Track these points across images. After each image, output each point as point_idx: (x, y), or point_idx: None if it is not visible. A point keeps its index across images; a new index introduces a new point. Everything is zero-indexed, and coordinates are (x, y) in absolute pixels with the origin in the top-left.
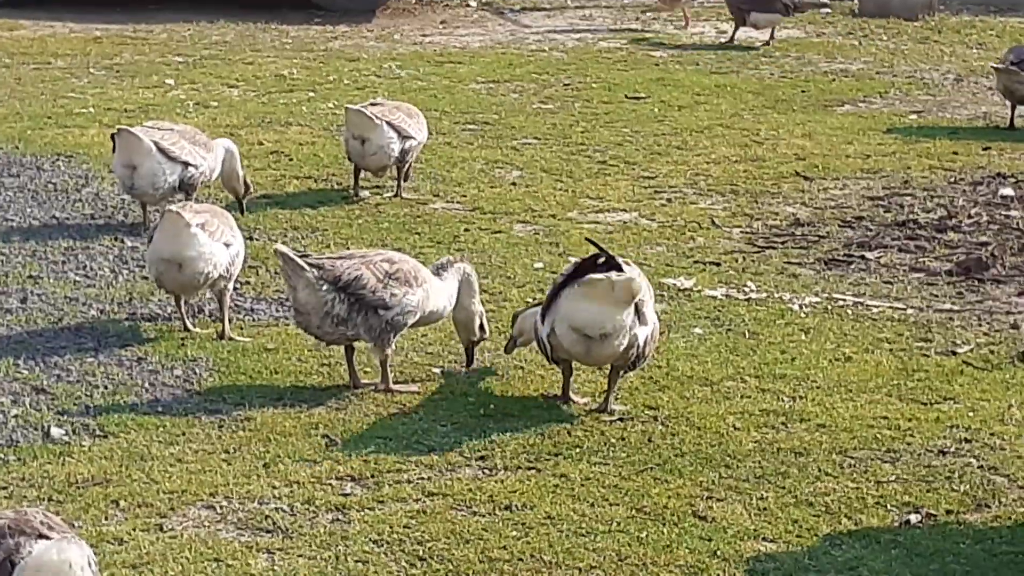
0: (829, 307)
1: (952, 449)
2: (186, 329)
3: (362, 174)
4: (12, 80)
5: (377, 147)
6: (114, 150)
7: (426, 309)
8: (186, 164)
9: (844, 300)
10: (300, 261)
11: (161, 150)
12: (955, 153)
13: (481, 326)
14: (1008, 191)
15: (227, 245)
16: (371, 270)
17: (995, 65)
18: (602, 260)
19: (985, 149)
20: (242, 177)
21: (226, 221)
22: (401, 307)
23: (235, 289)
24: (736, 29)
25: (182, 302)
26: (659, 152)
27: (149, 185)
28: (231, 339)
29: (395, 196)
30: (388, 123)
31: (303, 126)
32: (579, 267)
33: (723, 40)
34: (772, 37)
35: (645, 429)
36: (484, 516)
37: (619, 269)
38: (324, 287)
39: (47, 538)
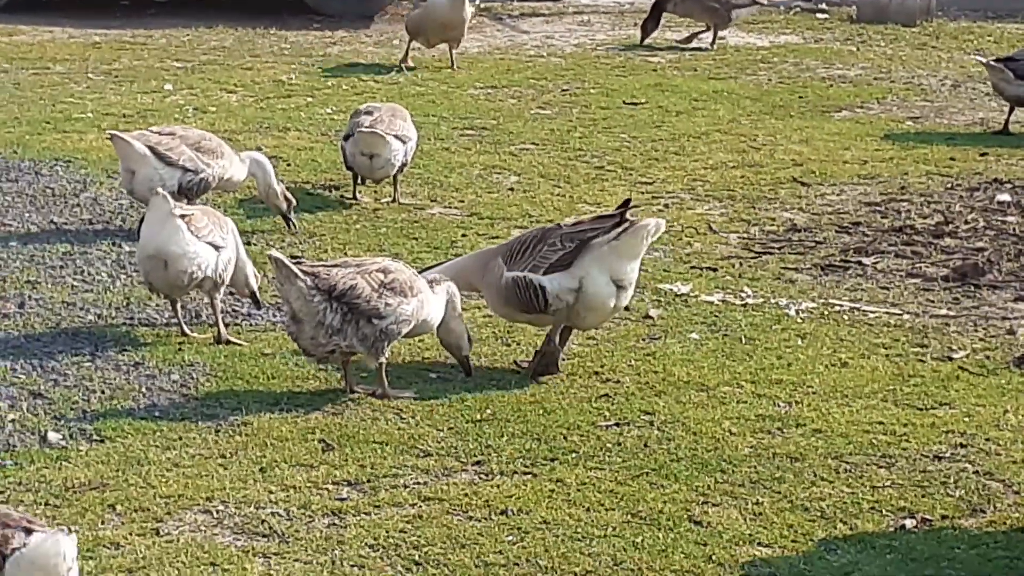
0: (825, 312)
1: (948, 454)
2: (183, 334)
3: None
4: (11, 85)
5: (384, 161)
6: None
7: (420, 318)
8: (185, 169)
9: (840, 306)
10: (294, 268)
11: (157, 155)
12: (952, 159)
13: (468, 339)
14: (1005, 197)
15: (216, 247)
16: (366, 280)
17: (983, 60)
18: (610, 213)
19: (982, 155)
20: (280, 191)
21: (217, 222)
22: (395, 316)
23: (231, 294)
24: (715, 32)
25: (178, 306)
26: (657, 158)
27: (147, 189)
28: (229, 342)
29: (393, 202)
30: (395, 136)
31: (301, 131)
32: (595, 223)
33: (715, 47)
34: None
35: (641, 434)
36: (480, 521)
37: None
38: (317, 297)
39: (31, 531)
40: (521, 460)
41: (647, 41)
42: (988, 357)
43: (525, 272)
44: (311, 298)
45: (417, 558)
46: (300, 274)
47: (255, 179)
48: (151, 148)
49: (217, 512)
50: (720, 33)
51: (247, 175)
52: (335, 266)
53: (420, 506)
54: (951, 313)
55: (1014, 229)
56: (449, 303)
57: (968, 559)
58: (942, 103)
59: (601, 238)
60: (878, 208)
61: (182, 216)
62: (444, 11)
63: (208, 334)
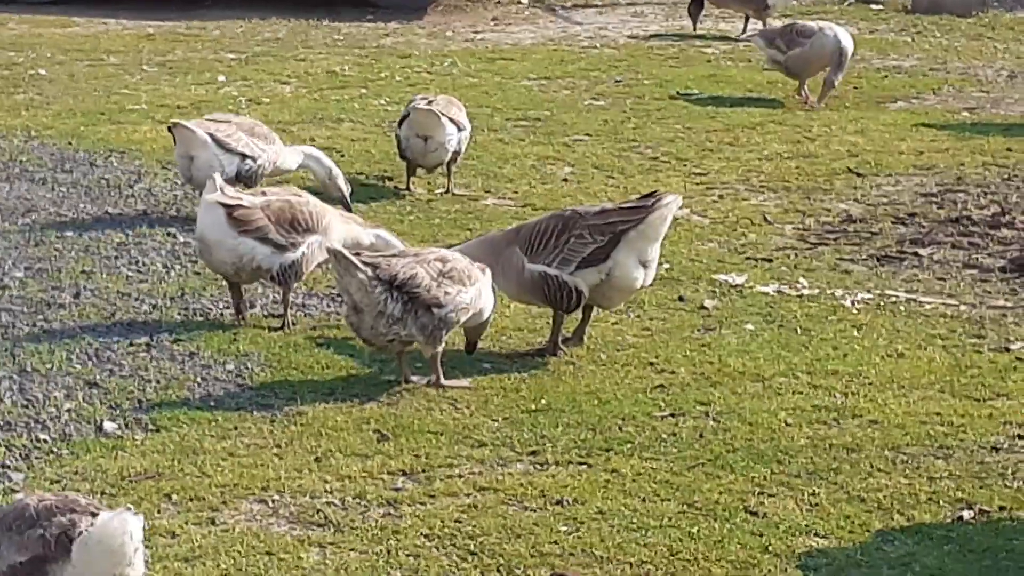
0: (882, 303)
1: (1005, 445)
2: (238, 322)
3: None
4: (65, 77)
5: (438, 144)
6: (174, 142)
7: (477, 307)
8: (243, 156)
9: (897, 296)
10: (355, 260)
11: (217, 142)
12: (1009, 150)
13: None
14: None
15: (277, 246)
16: (425, 269)
17: None
18: (638, 203)
19: None
20: (338, 175)
21: (287, 218)
22: (454, 305)
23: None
24: (748, 21)
25: (240, 288)
26: (711, 149)
27: (206, 176)
28: (293, 326)
29: (446, 192)
30: (449, 119)
31: (355, 122)
32: (626, 214)
33: (745, 34)
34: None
35: (696, 425)
36: (535, 511)
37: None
38: (378, 287)
39: (98, 515)
40: (576, 450)
41: (699, 28)
42: None
43: (554, 268)
44: (372, 289)
45: (472, 548)
46: (360, 265)
47: (312, 171)
48: (211, 135)
49: (272, 502)
50: (754, 23)
51: (298, 165)
52: (393, 256)
53: (475, 496)
54: (1008, 304)
55: None
56: (494, 291)
57: None
58: (998, 94)
59: (633, 231)
60: (934, 199)
61: (228, 206)
62: (833, 48)
63: (263, 324)
